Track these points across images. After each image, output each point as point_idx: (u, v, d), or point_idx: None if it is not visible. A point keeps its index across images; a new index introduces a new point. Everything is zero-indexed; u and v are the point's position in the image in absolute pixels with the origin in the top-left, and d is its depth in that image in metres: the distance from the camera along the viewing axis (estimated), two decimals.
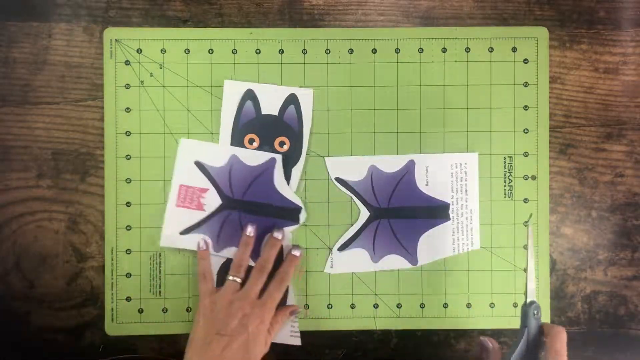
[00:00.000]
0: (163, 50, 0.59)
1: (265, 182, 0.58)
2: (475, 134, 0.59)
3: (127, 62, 0.59)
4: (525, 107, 0.59)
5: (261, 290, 0.54)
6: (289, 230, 0.58)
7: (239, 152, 0.58)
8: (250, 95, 0.58)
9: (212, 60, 0.59)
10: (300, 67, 0.59)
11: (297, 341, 0.58)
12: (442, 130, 0.59)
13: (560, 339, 0.47)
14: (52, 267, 0.59)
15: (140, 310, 0.59)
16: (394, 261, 0.59)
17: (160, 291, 0.59)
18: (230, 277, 0.54)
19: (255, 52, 0.59)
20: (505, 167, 0.59)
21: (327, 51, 0.59)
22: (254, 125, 0.59)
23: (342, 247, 0.59)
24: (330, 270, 0.59)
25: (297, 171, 0.59)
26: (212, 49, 0.59)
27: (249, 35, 0.59)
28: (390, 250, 0.59)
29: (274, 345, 0.56)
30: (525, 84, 0.59)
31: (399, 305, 0.60)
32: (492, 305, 0.59)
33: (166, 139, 0.59)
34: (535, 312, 0.50)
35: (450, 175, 0.59)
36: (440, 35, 0.59)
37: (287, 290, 0.57)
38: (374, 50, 0.59)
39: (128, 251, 0.59)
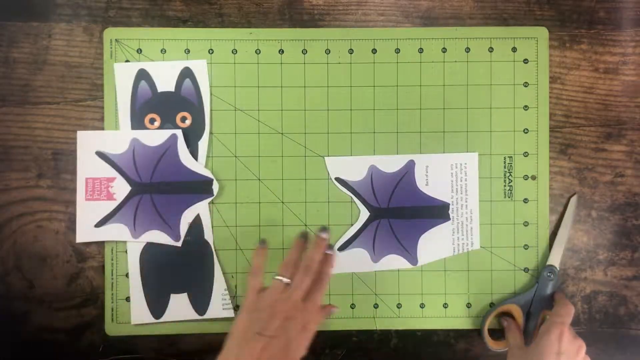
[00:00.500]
0: (163, 50, 0.59)
1: (171, 159, 0.58)
2: (475, 134, 0.59)
3: (127, 62, 0.59)
4: (525, 107, 0.59)
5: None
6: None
7: (138, 134, 0.58)
8: (143, 75, 0.58)
9: (212, 60, 0.59)
10: (300, 67, 0.59)
11: (230, 313, 0.58)
12: (442, 130, 0.59)
13: (566, 309, 0.54)
14: (52, 267, 0.59)
15: None
16: (394, 261, 0.59)
17: None
18: (278, 277, 0.52)
19: (255, 52, 0.59)
20: (505, 167, 0.59)
21: (327, 51, 0.59)
22: (152, 105, 0.58)
23: (342, 247, 0.59)
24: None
25: (203, 144, 0.58)
26: (212, 49, 0.59)
27: (249, 35, 0.59)
28: (390, 250, 0.59)
29: None
30: (525, 84, 0.59)
31: (399, 305, 0.60)
32: (492, 305, 0.59)
33: None
34: (550, 274, 0.58)
35: (450, 175, 0.59)
36: (440, 35, 0.59)
37: None
38: (374, 50, 0.59)
39: (128, 251, 0.59)
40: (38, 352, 0.59)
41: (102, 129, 0.59)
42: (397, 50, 0.59)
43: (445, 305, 0.60)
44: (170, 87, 0.59)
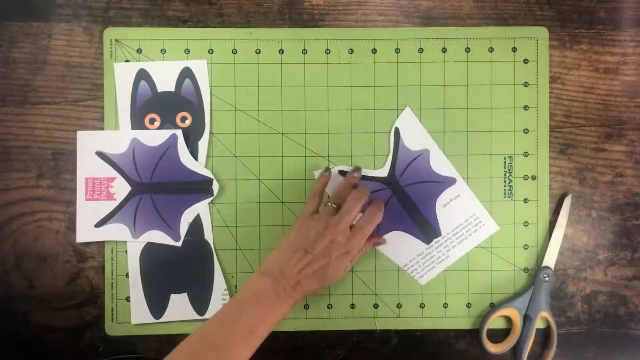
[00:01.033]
0: (163, 50, 0.59)
1: (171, 159, 0.58)
2: (475, 134, 0.59)
3: (127, 62, 0.59)
4: (525, 107, 0.59)
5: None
6: None
7: (138, 134, 0.58)
8: (143, 75, 0.58)
9: (213, 60, 0.59)
10: (300, 67, 0.59)
11: None
12: (442, 131, 0.59)
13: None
14: (52, 267, 0.59)
15: None
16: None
17: None
18: (330, 203, 0.55)
19: (255, 52, 0.59)
20: (505, 167, 0.59)
21: (327, 51, 0.59)
22: (152, 105, 0.58)
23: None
24: None
25: (203, 144, 0.58)
26: (212, 49, 0.59)
27: (249, 35, 0.59)
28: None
29: (274, 341, 0.56)
30: (525, 84, 0.59)
31: (399, 305, 0.60)
32: (492, 305, 0.59)
33: None
34: (545, 275, 0.57)
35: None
36: (440, 35, 0.59)
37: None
38: (374, 50, 0.59)
39: (128, 251, 0.59)
40: (38, 352, 0.59)
41: (102, 129, 0.58)
42: (397, 50, 0.59)
43: (445, 305, 0.60)
44: (170, 87, 0.59)
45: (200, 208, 0.58)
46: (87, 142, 0.58)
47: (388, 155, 0.59)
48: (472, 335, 0.60)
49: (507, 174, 0.59)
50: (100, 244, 0.59)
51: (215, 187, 0.58)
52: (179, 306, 0.58)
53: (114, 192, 0.58)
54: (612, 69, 0.60)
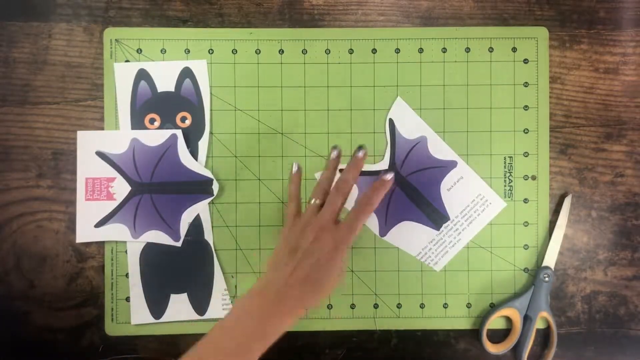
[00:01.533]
0: (163, 50, 0.59)
1: (171, 159, 0.58)
2: (475, 134, 0.59)
3: (127, 62, 0.59)
4: (525, 107, 0.59)
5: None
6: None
7: (138, 134, 0.58)
8: (143, 75, 0.58)
9: (213, 60, 0.59)
10: (300, 67, 0.59)
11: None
12: (442, 131, 0.59)
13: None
14: (52, 267, 0.59)
15: None
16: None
17: None
18: (312, 200, 0.52)
19: (255, 52, 0.59)
20: (505, 167, 0.59)
21: (327, 51, 0.59)
22: (152, 104, 0.58)
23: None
24: None
25: (203, 144, 0.58)
26: (212, 49, 0.59)
27: (249, 35, 0.59)
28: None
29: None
30: (525, 84, 0.59)
31: (399, 305, 0.60)
32: (492, 305, 0.59)
33: None
34: (546, 276, 0.57)
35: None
36: (440, 35, 0.59)
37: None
38: (374, 50, 0.59)
39: (127, 251, 0.59)
40: (38, 352, 0.59)
41: (102, 129, 0.59)
42: (397, 50, 0.59)
43: (445, 305, 0.60)
44: (170, 87, 0.59)
45: (200, 208, 0.58)
46: (87, 142, 0.58)
47: (386, 148, 0.59)
48: (472, 335, 0.60)
49: (507, 174, 0.59)
50: (100, 244, 0.59)
51: (215, 187, 0.58)
52: (179, 306, 0.58)
53: (114, 192, 0.58)
54: (612, 69, 0.60)
